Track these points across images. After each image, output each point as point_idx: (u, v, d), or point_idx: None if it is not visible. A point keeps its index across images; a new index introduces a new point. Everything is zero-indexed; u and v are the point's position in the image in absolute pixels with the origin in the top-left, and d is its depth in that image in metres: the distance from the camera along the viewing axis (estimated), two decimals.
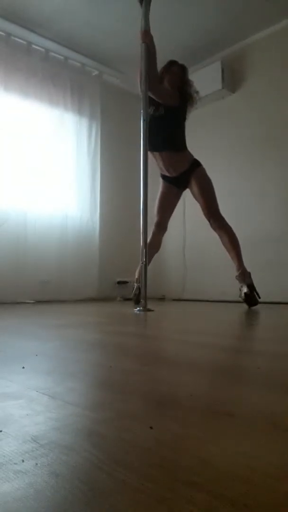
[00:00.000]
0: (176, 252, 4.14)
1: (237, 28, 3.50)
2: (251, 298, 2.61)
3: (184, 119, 2.81)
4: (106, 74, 4.13)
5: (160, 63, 3.91)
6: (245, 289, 2.63)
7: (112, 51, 3.85)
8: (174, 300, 4.02)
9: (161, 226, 2.89)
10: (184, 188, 2.89)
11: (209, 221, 2.77)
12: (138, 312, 2.28)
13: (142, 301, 2.37)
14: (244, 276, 2.69)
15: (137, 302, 2.84)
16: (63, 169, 3.70)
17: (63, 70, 3.78)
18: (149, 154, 2.62)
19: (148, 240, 2.83)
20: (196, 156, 4.18)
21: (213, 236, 3.82)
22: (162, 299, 4.12)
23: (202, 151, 4.05)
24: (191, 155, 2.82)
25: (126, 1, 3.11)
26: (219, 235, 2.74)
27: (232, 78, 3.73)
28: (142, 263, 2.41)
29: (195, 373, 0.75)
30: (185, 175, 2.77)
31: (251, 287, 2.64)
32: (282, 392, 0.62)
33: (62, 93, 3.76)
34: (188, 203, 3.98)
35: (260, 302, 3.31)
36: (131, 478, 0.33)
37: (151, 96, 2.59)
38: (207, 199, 2.75)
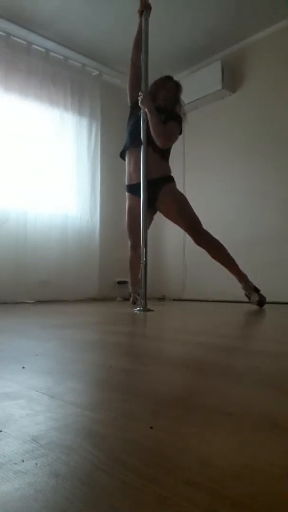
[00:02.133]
0: (176, 252, 4.14)
1: (237, 28, 3.50)
2: (262, 301, 2.60)
3: (177, 132, 2.66)
4: (106, 74, 4.13)
5: (161, 64, 3.92)
6: (256, 298, 2.60)
7: (112, 51, 3.85)
8: (174, 300, 4.02)
9: (137, 247, 2.61)
10: (154, 208, 2.65)
11: (192, 238, 2.59)
12: (138, 312, 2.28)
13: (142, 301, 2.37)
14: (247, 283, 2.64)
15: (134, 303, 2.87)
16: (63, 169, 3.70)
17: (63, 70, 3.78)
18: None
19: (129, 260, 2.79)
20: (196, 156, 4.19)
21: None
22: (162, 299, 4.12)
23: (202, 151, 4.06)
24: (170, 169, 2.66)
25: (126, 1, 3.11)
26: (206, 251, 2.58)
27: (232, 78, 3.72)
28: (142, 262, 2.41)
29: (195, 373, 0.75)
30: (154, 185, 2.52)
31: (256, 290, 2.62)
32: (282, 392, 0.62)
33: (62, 93, 3.76)
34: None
35: None
36: (131, 478, 0.33)
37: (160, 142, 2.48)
38: (187, 218, 2.55)
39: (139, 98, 2.49)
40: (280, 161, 3.39)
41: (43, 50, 3.65)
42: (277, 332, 1.49)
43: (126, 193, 2.76)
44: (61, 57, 3.79)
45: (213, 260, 2.62)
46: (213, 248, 2.58)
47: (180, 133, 2.67)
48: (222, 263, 2.62)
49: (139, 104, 2.49)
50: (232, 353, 0.96)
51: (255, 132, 3.58)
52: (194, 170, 4.05)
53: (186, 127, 4.15)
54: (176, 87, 2.71)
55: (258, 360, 0.88)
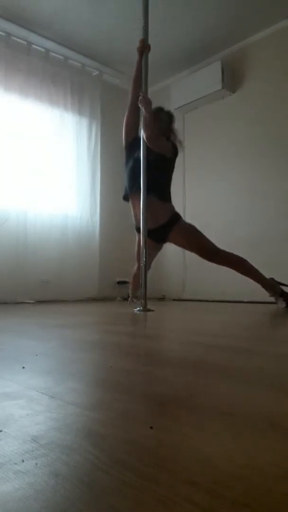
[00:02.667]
0: (176, 252, 4.13)
1: (237, 28, 3.50)
2: None
3: (172, 171, 2.64)
4: (106, 74, 4.13)
5: (161, 64, 3.92)
6: (283, 305, 2.59)
7: (112, 51, 3.85)
8: (174, 300, 4.02)
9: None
10: (164, 242, 2.65)
11: (212, 262, 2.60)
12: (138, 312, 2.28)
13: (142, 301, 2.37)
14: (273, 288, 2.61)
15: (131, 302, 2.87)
16: (63, 169, 3.70)
17: (63, 70, 3.78)
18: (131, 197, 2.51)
19: (134, 274, 2.71)
20: (196, 156, 4.20)
21: (213, 236, 3.82)
22: (162, 299, 4.12)
23: (202, 151, 4.06)
24: (173, 207, 2.61)
25: (126, 1, 3.11)
26: (227, 267, 2.62)
27: (232, 78, 3.72)
28: (142, 263, 2.41)
29: (195, 373, 0.75)
30: (164, 229, 2.53)
31: (284, 294, 2.61)
32: (282, 392, 0.62)
33: (62, 93, 3.76)
34: (188, 203, 3.99)
35: (260, 302, 3.31)
36: (131, 478, 0.33)
37: (148, 145, 2.43)
38: (199, 247, 2.57)
39: (140, 98, 2.49)
40: (280, 161, 3.39)
41: (43, 50, 3.65)
42: (277, 332, 1.49)
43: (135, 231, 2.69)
44: (61, 57, 3.79)
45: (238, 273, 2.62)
46: (231, 264, 2.59)
47: (175, 156, 2.62)
48: (247, 276, 2.61)
49: (139, 104, 2.48)
50: (232, 353, 0.96)
51: (255, 132, 3.58)
52: (194, 170, 4.05)
53: (186, 127, 4.17)
54: (168, 118, 2.67)
55: (258, 360, 0.88)
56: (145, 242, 2.42)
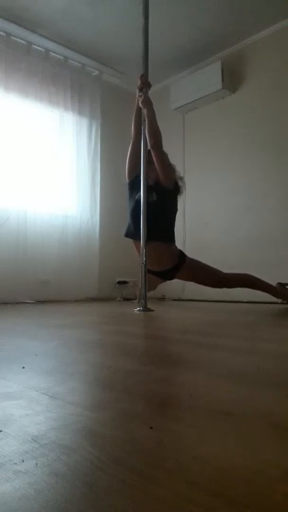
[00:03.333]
0: None
1: (237, 28, 3.50)
2: None
3: (176, 210, 2.55)
4: (106, 74, 4.13)
5: (161, 64, 3.92)
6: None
7: (112, 51, 3.85)
8: (174, 300, 4.02)
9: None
10: (171, 279, 2.64)
11: (223, 287, 2.64)
12: (138, 312, 2.28)
13: (142, 301, 2.37)
14: (284, 293, 2.66)
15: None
16: (63, 169, 3.70)
17: (63, 70, 3.78)
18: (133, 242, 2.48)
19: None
20: (196, 156, 4.20)
21: (213, 236, 3.83)
22: (162, 299, 4.12)
23: (202, 151, 4.06)
24: (177, 249, 2.56)
25: (126, 1, 3.11)
26: (240, 287, 2.67)
27: (232, 78, 3.72)
28: (142, 263, 2.40)
29: (195, 373, 0.75)
30: (170, 271, 2.54)
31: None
32: (282, 392, 0.62)
33: (62, 93, 3.75)
34: (188, 204, 3.99)
35: (260, 302, 3.31)
36: (131, 478, 0.33)
37: (156, 163, 2.37)
38: (207, 281, 2.61)
39: (139, 99, 2.48)
40: (280, 161, 3.39)
41: (43, 50, 3.65)
42: (276, 332, 1.49)
43: None
44: (61, 57, 3.79)
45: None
46: (240, 283, 2.63)
47: (178, 192, 2.55)
48: (262, 290, 2.67)
49: (140, 105, 2.47)
50: (232, 353, 0.96)
51: (255, 132, 3.58)
52: (194, 170, 4.05)
53: (186, 127, 4.17)
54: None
55: (258, 360, 0.88)
56: (145, 243, 2.42)
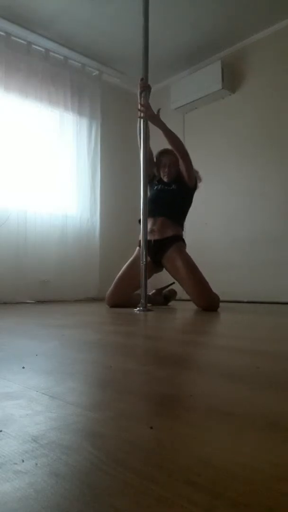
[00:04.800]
0: None
1: (237, 28, 3.50)
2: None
3: (190, 205, 2.72)
4: (106, 74, 4.13)
5: (161, 64, 3.92)
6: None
7: (112, 51, 3.85)
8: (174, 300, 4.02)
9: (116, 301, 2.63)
10: (161, 263, 2.62)
11: (202, 305, 2.40)
12: (138, 312, 2.28)
13: (142, 301, 2.37)
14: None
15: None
16: (63, 169, 3.70)
17: (63, 70, 3.78)
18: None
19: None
20: (196, 156, 4.18)
21: (213, 236, 3.83)
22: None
23: (202, 151, 4.05)
24: (182, 232, 2.67)
25: (126, 1, 3.11)
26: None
27: (232, 78, 3.72)
28: (142, 263, 2.41)
29: (194, 373, 0.75)
30: (164, 243, 2.55)
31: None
32: (282, 392, 0.62)
33: (62, 93, 3.75)
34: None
35: (260, 302, 3.31)
36: (131, 478, 0.33)
37: (185, 170, 2.55)
38: (195, 280, 2.41)
39: (140, 114, 2.45)
40: (280, 161, 3.40)
41: (43, 50, 3.65)
42: (276, 332, 1.49)
43: (137, 249, 2.68)
44: (61, 57, 3.79)
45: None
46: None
47: (195, 189, 2.73)
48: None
49: (147, 119, 2.46)
50: (232, 353, 0.96)
51: (255, 132, 3.58)
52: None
53: (186, 127, 4.17)
54: (174, 157, 2.67)
55: (257, 360, 0.88)
56: (145, 243, 2.42)
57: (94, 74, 4.06)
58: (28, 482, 0.32)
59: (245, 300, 3.43)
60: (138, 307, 2.39)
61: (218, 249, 3.72)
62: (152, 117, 2.46)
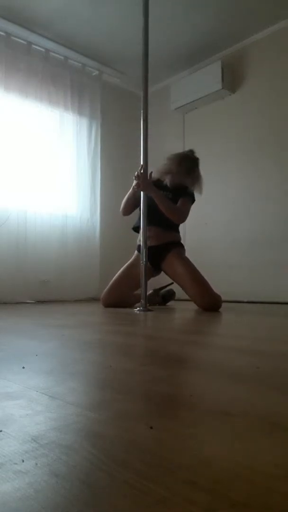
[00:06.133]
0: None
1: (237, 28, 3.50)
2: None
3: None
4: (106, 74, 4.13)
5: (161, 64, 3.92)
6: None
7: (112, 51, 3.85)
8: (173, 300, 4.02)
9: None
10: (160, 268, 2.66)
11: (206, 305, 2.37)
12: (138, 312, 2.28)
13: (142, 301, 2.37)
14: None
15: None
16: (63, 169, 3.70)
17: (63, 70, 3.78)
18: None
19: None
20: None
21: (213, 236, 3.83)
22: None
23: (202, 151, 4.05)
24: (180, 237, 2.72)
25: (126, 1, 3.11)
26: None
27: (232, 78, 3.72)
28: (142, 263, 2.41)
29: (194, 373, 0.75)
30: (164, 248, 2.60)
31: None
32: (282, 392, 0.62)
33: (62, 93, 3.75)
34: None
35: (260, 302, 3.31)
36: (131, 478, 0.33)
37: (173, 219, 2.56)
38: (197, 280, 2.41)
39: (136, 186, 2.46)
40: (280, 161, 3.39)
41: (43, 50, 3.65)
42: (276, 332, 1.49)
43: (135, 253, 2.74)
44: (61, 57, 3.79)
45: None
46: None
47: (193, 201, 2.73)
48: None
49: (138, 190, 2.46)
50: (231, 353, 0.96)
51: (255, 132, 3.58)
52: None
53: (186, 127, 4.17)
54: (194, 165, 2.70)
55: (257, 360, 0.88)
56: (145, 243, 2.42)
57: (94, 74, 4.06)
58: (28, 482, 0.32)
59: (245, 300, 3.43)
60: (138, 307, 2.39)
61: (218, 249, 3.72)
62: (147, 189, 2.45)
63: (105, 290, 2.70)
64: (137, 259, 2.64)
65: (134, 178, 2.48)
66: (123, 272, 2.68)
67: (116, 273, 2.75)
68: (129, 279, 2.60)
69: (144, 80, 2.51)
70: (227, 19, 3.37)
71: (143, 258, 2.39)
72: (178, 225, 2.72)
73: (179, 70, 4.15)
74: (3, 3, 3.16)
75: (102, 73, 4.10)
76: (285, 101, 3.38)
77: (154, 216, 2.49)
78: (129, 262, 2.73)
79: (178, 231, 2.74)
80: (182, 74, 4.17)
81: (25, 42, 3.53)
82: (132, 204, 2.68)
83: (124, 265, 2.77)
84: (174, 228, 2.69)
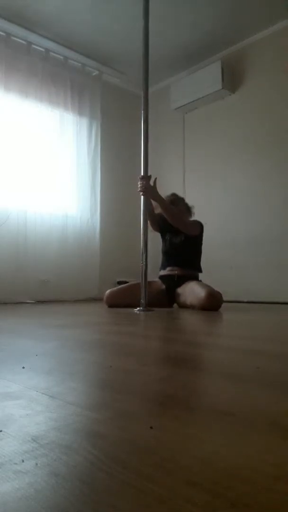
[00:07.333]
0: None
1: (237, 28, 3.50)
2: None
3: (201, 244, 2.86)
4: (106, 74, 4.13)
5: (161, 64, 3.92)
6: None
7: (112, 51, 3.85)
8: None
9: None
10: (174, 299, 2.72)
11: (211, 305, 2.39)
12: (138, 312, 2.28)
13: (142, 301, 2.37)
14: None
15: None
16: (63, 169, 3.70)
17: (63, 70, 3.78)
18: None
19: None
20: (196, 156, 4.20)
21: (213, 236, 3.83)
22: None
23: (202, 151, 4.05)
24: (198, 274, 2.84)
25: (126, 1, 3.11)
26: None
27: (232, 78, 3.72)
28: (142, 263, 2.41)
29: (194, 373, 0.75)
30: (184, 277, 2.71)
31: None
32: (282, 392, 0.62)
33: (62, 93, 3.75)
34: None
35: (260, 302, 3.31)
36: (131, 478, 0.33)
37: (179, 228, 2.66)
38: (208, 289, 2.44)
39: (140, 188, 2.48)
40: (280, 161, 3.39)
41: (43, 50, 3.65)
42: (276, 332, 1.49)
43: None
44: (61, 57, 3.79)
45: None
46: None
47: (202, 231, 2.85)
48: None
49: (141, 194, 2.49)
50: (231, 353, 0.96)
51: (255, 132, 3.58)
52: (194, 170, 4.05)
53: (186, 127, 4.17)
54: (184, 204, 2.89)
55: (257, 360, 0.88)
56: (145, 243, 2.42)
57: (94, 74, 4.06)
58: (28, 482, 0.32)
59: (245, 300, 3.43)
60: (138, 307, 2.39)
61: (218, 249, 3.72)
62: (153, 196, 2.54)
63: (112, 290, 2.71)
64: (157, 280, 2.80)
65: (138, 180, 2.51)
66: (138, 283, 2.61)
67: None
68: (138, 290, 2.53)
69: (144, 80, 2.51)
70: (227, 19, 3.37)
71: (143, 259, 2.39)
72: (199, 258, 2.84)
73: (179, 70, 4.15)
74: (3, 3, 3.16)
75: (102, 73, 4.10)
76: (285, 100, 3.38)
77: (177, 259, 2.77)
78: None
79: (199, 265, 2.85)
80: (182, 74, 4.17)
81: (25, 42, 3.53)
82: (153, 221, 2.79)
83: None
84: (195, 264, 2.83)
